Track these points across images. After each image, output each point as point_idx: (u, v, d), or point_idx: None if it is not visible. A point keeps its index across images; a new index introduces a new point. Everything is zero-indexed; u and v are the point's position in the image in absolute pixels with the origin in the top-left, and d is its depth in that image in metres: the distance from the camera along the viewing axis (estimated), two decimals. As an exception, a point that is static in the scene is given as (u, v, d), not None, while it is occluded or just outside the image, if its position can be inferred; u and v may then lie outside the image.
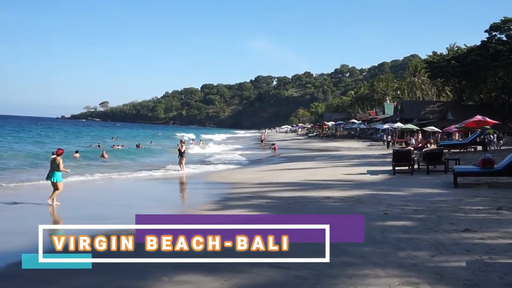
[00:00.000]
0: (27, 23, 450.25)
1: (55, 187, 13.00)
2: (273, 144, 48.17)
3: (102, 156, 31.51)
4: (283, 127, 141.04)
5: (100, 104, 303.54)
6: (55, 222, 11.17)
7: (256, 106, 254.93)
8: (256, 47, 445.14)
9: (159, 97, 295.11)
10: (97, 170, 22.93)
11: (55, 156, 13.59)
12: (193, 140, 57.80)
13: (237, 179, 18.87)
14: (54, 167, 13.22)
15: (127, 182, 19.76)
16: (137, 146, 41.36)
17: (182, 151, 23.77)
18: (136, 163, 28.96)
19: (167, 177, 21.68)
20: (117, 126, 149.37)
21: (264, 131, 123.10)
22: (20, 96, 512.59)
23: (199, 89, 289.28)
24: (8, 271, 6.95)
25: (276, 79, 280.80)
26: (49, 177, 13.24)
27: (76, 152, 31.06)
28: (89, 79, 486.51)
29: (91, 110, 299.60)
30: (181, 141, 25.13)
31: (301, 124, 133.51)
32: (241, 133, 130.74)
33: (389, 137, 47.61)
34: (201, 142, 55.79)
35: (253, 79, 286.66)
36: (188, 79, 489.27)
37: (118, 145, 44.84)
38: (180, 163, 23.75)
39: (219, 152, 41.01)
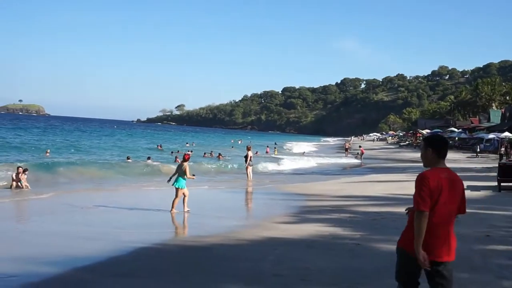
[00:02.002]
0: (105, 25, 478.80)
1: (177, 193, 13.41)
2: (360, 146, 47.22)
3: (175, 161, 32.55)
4: (370, 134, 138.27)
5: (176, 107, 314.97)
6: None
7: (341, 111, 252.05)
8: (343, 48, 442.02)
9: (237, 101, 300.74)
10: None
11: (182, 161, 14.07)
12: (268, 147, 58.15)
13: (317, 191, 18.66)
14: (181, 172, 13.60)
15: (198, 190, 20.22)
16: (219, 156, 41.45)
17: (249, 158, 23.89)
18: (209, 171, 29.49)
19: (238, 186, 21.96)
20: (193, 131, 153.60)
21: (349, 138, 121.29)
22: (98, 99, 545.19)
23: (280, 92, 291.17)
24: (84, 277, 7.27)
25: (364, 82, 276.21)
26: (174, 181, 13.67)
27: (148, 158, 32.28)
28: (166, 81, 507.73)
29: (167, 114, 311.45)
30: (247, 147, 25.32)
31: (391, 132, 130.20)
32: (330, 140, 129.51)
33: (502, 148, 44.92)
34: (275, 150, 56.07)
35: (339, 81, 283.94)
36: (268, 82, 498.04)
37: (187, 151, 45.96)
38: (246, 170, 23.93)
39: (298, 160, 40.88)
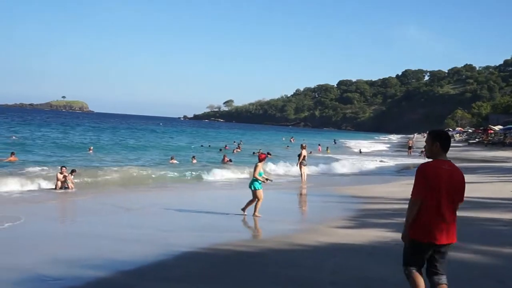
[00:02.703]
0: (150, 21, 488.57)
1: (253, 195, 13.46)
2: (422, 152, 46.34)
3: (224, 161, 32.80)
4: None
5: (224, 103, 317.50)
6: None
7: (403, 105, 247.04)
8: (404, 36, 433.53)
9: (289, 95, 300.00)
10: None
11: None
12: (319, 145, 57.80)
13: (377, 193, 18.39)
14: (254, 173, 13.67)
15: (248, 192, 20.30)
16: (268, 154, 41.78)
17: (302, 157, 23.77)
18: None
19: (292, 187, 21.90)
20: (243, 128, 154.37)
21: (412, 136, 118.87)
22: (142, 95, 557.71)
23: (335, 85, 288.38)
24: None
25: (428, 74, 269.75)
26: (249, 183, 13.71)
27: (193, 158, 32.61)
28: (213, 76, 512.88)
29: (215, 110, 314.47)
30: (301, 145, 25.22)
31: (459, 128, 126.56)
32: (391, 138, 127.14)
33: None
34: (328, 148, 55.87)
35: (400, 73, 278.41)
36: (323, 75, 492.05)
37: (236, 149, 47.05)
38: (300, 170, 23.82)
39: (355, 160, 40.42)
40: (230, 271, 7.92)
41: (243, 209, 13.56)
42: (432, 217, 5.14)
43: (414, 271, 5.29)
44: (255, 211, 13.39)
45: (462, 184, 5.33)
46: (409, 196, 5.39)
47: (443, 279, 5.27)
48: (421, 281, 5.26)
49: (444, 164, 5.27)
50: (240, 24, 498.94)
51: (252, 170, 14.03)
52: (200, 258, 8.81)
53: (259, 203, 13.46)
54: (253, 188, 13.43)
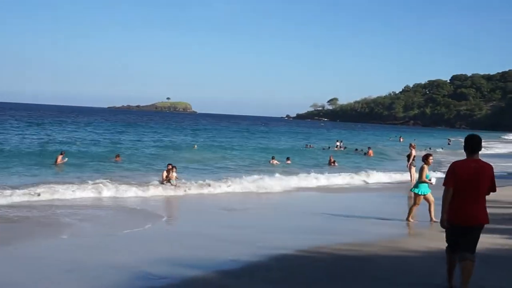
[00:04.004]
0: (254, 20, 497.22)
1: (415, 199, 13.18)
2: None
3: (330, 162, 32.72)
4: None
5: (328, 101, 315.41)
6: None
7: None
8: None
9: (397, 92, 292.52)
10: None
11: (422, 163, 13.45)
12: (442, 148, 56.27)
13: (492, 196, 17.45)
14: (419, 176, 13.32)
15: (351, 193, 20.09)
16: (368, 150, 41.92)
17: (412, 157, 23.10)
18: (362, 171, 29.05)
19: (400, 190, 21.39)
20: (352, 128, 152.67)
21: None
22: (245, 94, 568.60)
23: (448, 81, 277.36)
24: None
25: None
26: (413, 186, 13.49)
27: (287, 159, 32.74)
28: (317, 74, 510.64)
29: (318, 109, 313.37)
30: (410, 145, 24.53)
31: None
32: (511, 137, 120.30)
33: None
34: (442, 148, 54.55)
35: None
36: (434, 69, 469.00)
37: (338, 146, 48.62)
38: (409, 171, 23.19)
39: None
40: (333, 275, 7.89)
41: (408, 218, 13.06)
42: (460, 204, 6.53)
43: (449, 249, 6.85)
44: (431, 216, 12.95)
45: (488, 176, 6.61)
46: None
47: (466, 254, 6.51)
48: (449, 257, 6.93)
49: (472, 162, 6.64)
50: (345, 19, 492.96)
51: (418, 173, 13.38)
52: (300, 261, 8.83)
53: (432, 207, 12.93)
54: (420, 193, 12.97)
